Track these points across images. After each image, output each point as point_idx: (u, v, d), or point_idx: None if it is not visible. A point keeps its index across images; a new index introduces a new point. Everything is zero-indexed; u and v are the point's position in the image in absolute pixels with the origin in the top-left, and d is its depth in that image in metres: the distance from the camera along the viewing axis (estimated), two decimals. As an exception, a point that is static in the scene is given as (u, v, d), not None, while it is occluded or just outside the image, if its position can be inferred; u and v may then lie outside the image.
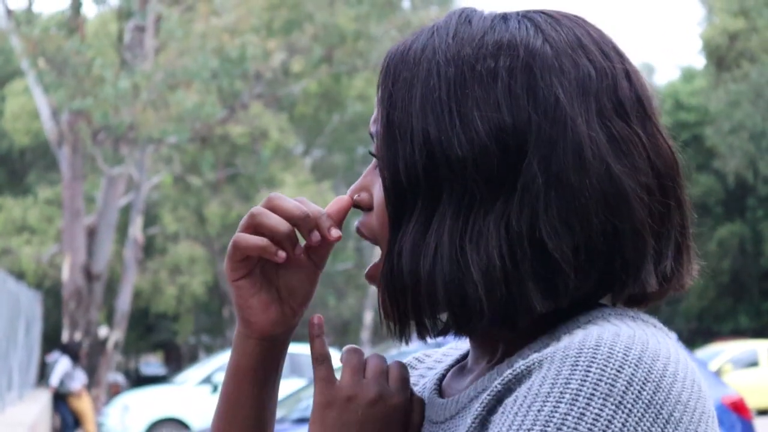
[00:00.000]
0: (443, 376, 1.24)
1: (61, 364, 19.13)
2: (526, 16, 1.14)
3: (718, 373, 19.26)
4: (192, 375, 20.45)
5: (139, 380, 37.22)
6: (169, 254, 34.38)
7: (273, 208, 1.17)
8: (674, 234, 1.13)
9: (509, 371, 1.05)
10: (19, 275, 28.52)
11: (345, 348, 1.20)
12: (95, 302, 22.88)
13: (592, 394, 0.99)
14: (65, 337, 22.25)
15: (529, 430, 0.99)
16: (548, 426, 0.99)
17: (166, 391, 19.82)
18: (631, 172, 1.09)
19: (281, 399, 9.13)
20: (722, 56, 37.99)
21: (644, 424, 0.99)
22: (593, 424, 0.98)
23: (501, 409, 1.04)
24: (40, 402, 18.97)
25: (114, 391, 24.91)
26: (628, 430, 0.99)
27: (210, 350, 40.37)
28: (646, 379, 1.00)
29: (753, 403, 20.48)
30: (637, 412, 0.99)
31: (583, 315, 1.10)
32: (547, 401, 1.00)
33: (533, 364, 1.03)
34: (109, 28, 28.59)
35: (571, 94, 1.09)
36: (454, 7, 1.24)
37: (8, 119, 31.75)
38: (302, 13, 25.94)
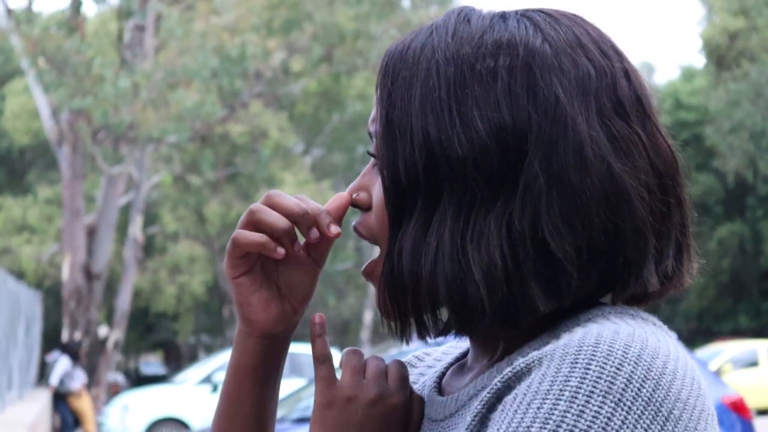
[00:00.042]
0: (443, 374, 1.24)
1: (61, 363, 19.13)
2: (525, 15, 1.14)
3: (717, 373, 19.26)
4: (192, 375, 20.45)
5: (138, 380, 37.22)
6: (168, 254, 34.39)
7: (272, 205, 1.17)
8: (675, 233, 1.13)
9: (509, 369, 1.05)
10: (19, 275, 28.53)
11: (345, 350, 1.19)
12: (95, 302, 22.88)
13: (592, 392, 0.99)
14: (65, 336, 22.25)
15: (528, 427, 0.99)
16: (548, 423, 0.99)
17: (165, 391, 19.82)
18: (631, 171, 1.09)
19: (281, 399, 9.12)
20: (722, 55, 37.99)
21: (643, 422, 0.99)
22: (592, 422, 0.98)
23: (500, 407, 1.04)
24: (40, 401, 18.97)
25: (114, 391, 24.91)
26: (627, 427, 0.99)
27: (210, 350, 40.37)
28: (645, 376, 1.00)
29: (753, 402, 20.48)
30: (637, 409, 0.99)
31: (583, 313, 1.10)
32: (547, 399, 1.00)
33: (533, 361, 1.03)
34: (109, 28, 28.59)
35: (571, 93, 1.09)
36: (454, 6, 1.24)
37: (8, 118, 31.75)
38: (302, 12, 25.94)
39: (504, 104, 1.09)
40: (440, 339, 1.18)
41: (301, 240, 1.20)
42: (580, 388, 0.99)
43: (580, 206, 1.07)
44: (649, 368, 1.00)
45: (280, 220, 1.16)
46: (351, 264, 34.21)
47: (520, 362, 1.04)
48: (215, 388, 18.76)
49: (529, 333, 1.11)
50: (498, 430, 1.02)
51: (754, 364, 26.05)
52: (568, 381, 1.00)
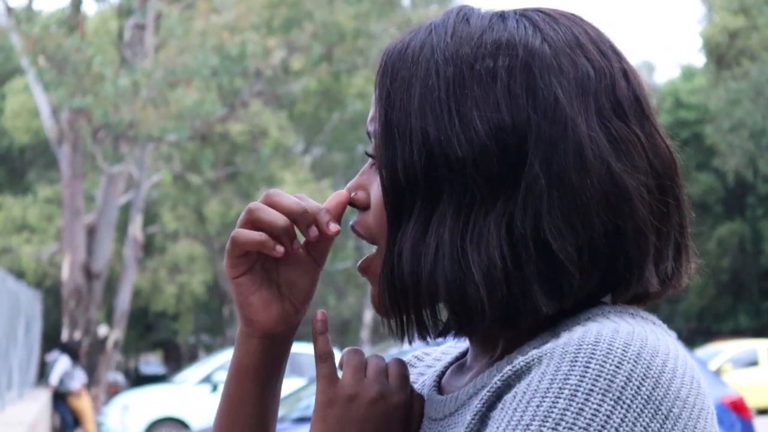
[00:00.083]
0: (442, 373, 1.25)
1: (61, 363, 19.13)
2: (524, 15, 1.14)
3: (717, 373, 19.26)
4: (192, 374, 20.45)
5: (138, 379, 37.24)
6: (168, 253, 34.41)
7: (271, 204, 1.17)
8: (673, 233, 1.13)
9: (509, 368, 1.05)
10: (19, 274, 28.54)
11: (346, 349, 1.20)
12: (95, 301, 22.88)
13: (591, 390, 0.99)
14: (65, 336, 22.25)
15: (528, 425, 1.00)
16: (547, 421, 0.99)
17: (165, 391, 19.81)
18: (631, 172, 1.09)
19: (281, 398, 9.12)
20: (722, 54, 38.00)
21: (643, 420, 0.99)
22: (592, 419, 0.98)
23: (500, 405, 1.04)
24: (40, 401, 18.98)
25: (113, 391, 24.91)
26: (626, 425, 0.99)
27: (210, 349, 40.39)
28: (645, 374, 1.00)
29: (752, 402, 20.49)
30: (636, 407, 0.99)
31: (583, 312, 1.10)
32: (546, 397, 1.00)
33: (532, 360, 1.03)
34: (109, 26, 28.60)
35: (571, 93, 1.09)
36: (453, 5, 1.24)
37: (8, 117, 31.76)
38: (302, 11, 25.93)
39: (503, 105, 1.09)
40: (440, 339, 1.18)
41: (301, 239, 1.20)
42: (579, 386, 0.99)
43: (581, 207, 1.07)
44: (648, 366, 1.01)
45: (279, 218, 1.16)
46: (351, 263, 34.21)
47: (520, 361, 1.04)
48: (215, 387, 18.76)
49: (529, 332, 1.11)
50: (498, 428, 1.02)
51: (753, 363, 26.06)
52: (568, 379, 1.00)
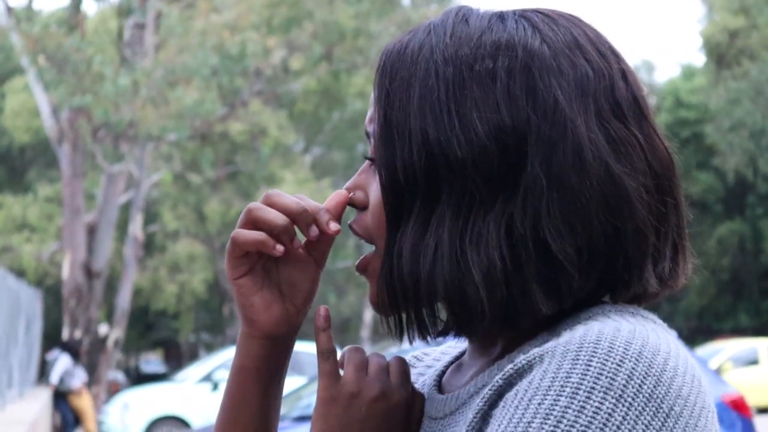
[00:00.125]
0: (443, 373, 1.25)
1: (62, 361, 19.13)
2: (523, 16, 1.14)
3: (718, 372, 19.27)
4: (192, 373, 20.45)
5: (139, 378, 37.22)
6: (169, 252, 34.41)
7: (271, 204, 1.17)
8: (671, 234, 1.13)
9: (510, 366, 1.05)
10: (20, 273, 28.54)
11: (346, 348, 1.20)
12: (95, 300, 22.88)
13: (593, 388, 0.99)
14: (65, 334, 22.25)
15: (529, 423, 1.00)
16: (549, 419, 0.99)
17: (166, 389, 19.81)
18: (630, 173, 1.09)
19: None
20: (722, 54, 38.01)
21: (644, 418, 0.99)
22: (593, 418, 0.99)
23: (502, 403, 1.04)
24: (41, 400, 18.98)
25: (114, 389, 24.90)
26: (628, 423, 0.99)
27: (210, 348, 40.38)
28: (646, 373, 1.00)
29: (753, 401, 20.49)
30: (638, 405, 0.99)
31: (584, 312, 1.10)
32: (548, 395, 1.00)
33: (534, 358, 1.03)
34: (109, 25, 28.58)
35: (570, 95, 1.10)
36: (452, 5, 1.24)
37: (8, 116, 31.75)
38: (302, 10, 25.92)
39: (503, 105, 1.09)
40: (440, 339, 1.18)
41: (302, 239, 1.20)
42: (581, 384, 1.00)
43: (580, 208, 1.08)
44: (650, 365, 1.01)
45: (278, 217, 1.16)
46: (351, 262, 34.19)
47: (521, 359, 1.05)
48: (215, 386, 18.77)
49: (529, 332, 1.11)
50: (499, 426, 1.02)
51: (754, 362, 26.05)
52: (570, 377, 1.00)
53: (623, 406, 0.99)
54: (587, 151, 1.08)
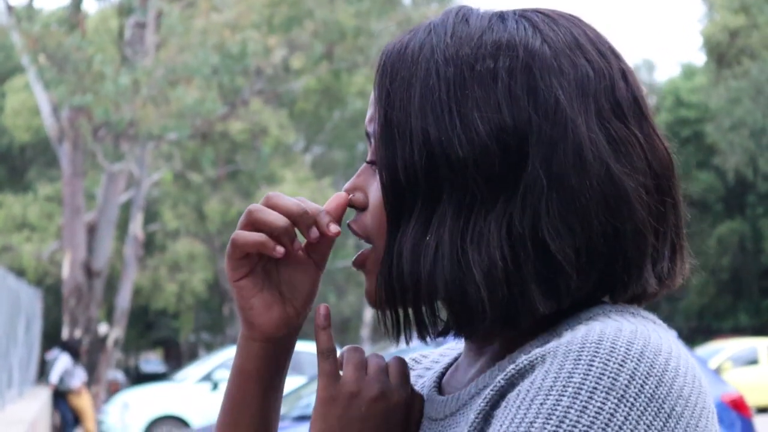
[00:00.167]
0: (442, 374, 1.25)
1: (61, 361, 19.13)
2: (524, 16, 1.14)
3: (717, 371, 19.27)
4: (192, 372, 20.45)
5: (138, 378, 37.23)
6: (169, 251, 34.41)
7: (271, 206, 1.17)
8: (670, 234, 1.13)
9: (512, 366, 1.05)
10: (20, 272, 28.54)
11: (346, 347, 1.20)
12: (95, 299, 22.88)
13: (595, 388, 0.99)
14: (65, 334, 22.25)
15: (531, 423, 1.00)
16: (551, 419, 0.99)
17: (165, 389, 19.82)
18: (630, 173, 1.09)
19: (281, 396, 9.10)
20: (723, 53, 38.01)
21: (646, 419, 0.99)
22: (595, 418, 0.99)
23: (504, 404, 1.04)
24: (40, 399, 18.97)
25: (113, 389, 24.91)
26: (630, 423, 0.99)
27: (210, 347, 40.39)
28: (648, 373, 1.00)
29: (753, 400, 20.49)
30: (640, 406, 1.00)
31: (584, 312, 1.10)
32: (550, 395, 1.00)
33: (536, 358, 1.04)
34: (110, 25, 28.58)
35: (571, 95, 1.10)
36: (452, 5, 1.24)
37: (9, 115, 31.76)
38: (303, 9, 25.92)
39: (504, 105, 1.09)
40: (439, 339, 1.18)
41: (302, 241, 1.20)
42: (583, 384, 1.00)
43: (579, 208, 1.08)
44: (651, 365, 1.01)
45: (278, 219, 1.16)
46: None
47: (523, 359, 1.05)
48: (215, 386, 18.77)
49: (529, 332, 1.11)
50: (501, 426, 1.02)
51: (754, 362, 26.05)
52: (572, 377, 1.00)
53: (625, 406, 0.99)
54: (588, 151, 1.08)
